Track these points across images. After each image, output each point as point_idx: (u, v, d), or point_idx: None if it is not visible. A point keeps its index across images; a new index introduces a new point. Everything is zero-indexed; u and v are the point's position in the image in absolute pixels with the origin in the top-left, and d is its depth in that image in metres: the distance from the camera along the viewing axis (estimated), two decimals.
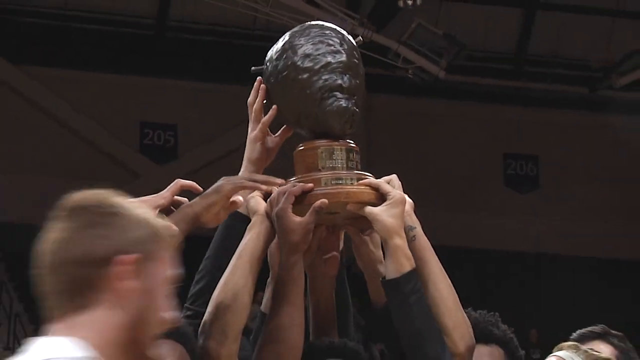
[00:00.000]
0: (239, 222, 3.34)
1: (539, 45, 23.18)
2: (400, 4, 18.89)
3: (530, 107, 23.84)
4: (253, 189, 3.34)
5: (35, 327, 15.26)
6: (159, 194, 3.24)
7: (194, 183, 3.28)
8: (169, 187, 3.22)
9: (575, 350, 3.61)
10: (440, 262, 3.40)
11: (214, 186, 3.28)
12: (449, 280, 3.34)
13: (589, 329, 4.06)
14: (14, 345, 16.61)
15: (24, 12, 22.30)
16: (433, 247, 3.36)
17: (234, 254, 3.25)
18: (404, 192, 3.32)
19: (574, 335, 3.95)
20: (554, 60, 23.37)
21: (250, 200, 3.30)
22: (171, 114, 23.21)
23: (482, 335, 3.55)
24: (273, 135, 3.47)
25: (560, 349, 3.68)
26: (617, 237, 23.42)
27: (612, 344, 3.99)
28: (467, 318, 3.39)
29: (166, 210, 3.21)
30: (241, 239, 3.26)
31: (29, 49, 22.47)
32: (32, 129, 22.55)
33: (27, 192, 21.44)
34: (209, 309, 3.17)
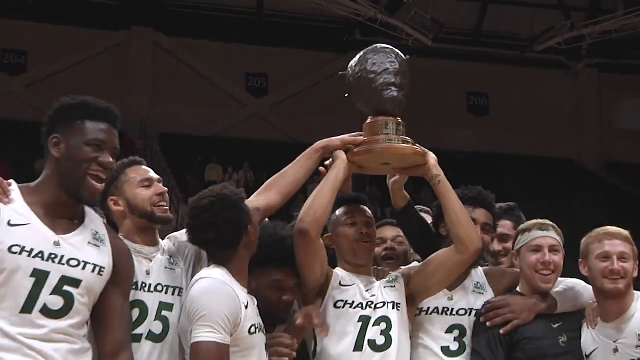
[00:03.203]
0: None
1: (490, 24, 23.92)
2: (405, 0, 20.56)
3: (483, 63, 24.67)
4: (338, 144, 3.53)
5: (185, 196, 16.34)
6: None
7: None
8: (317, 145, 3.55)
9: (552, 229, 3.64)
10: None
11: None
12: (462, 205, 3.50)
13: (502, 206, 4.05)
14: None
15: (175, 4, 23.23)
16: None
17: None
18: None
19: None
20: (498, 34, 24.06)
21: (337, 152, 3.51)
22: (264, 67, 23.97)
23: (481, 202, 3.72)
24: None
25: (542, 229, 3.63)
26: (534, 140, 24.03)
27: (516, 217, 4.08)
28: (476, 230, 3.52)
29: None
30: None
31: (177, 26, 23.31)
32: (181, 78, 23.48)
33: (180, 115, 22.43)
34: (305, 205, 3.42)
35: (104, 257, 2.96)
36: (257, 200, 3.45)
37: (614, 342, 3.47)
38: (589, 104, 25.39)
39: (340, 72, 3.45)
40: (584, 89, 25.47)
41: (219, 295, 3.05)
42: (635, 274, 3.53)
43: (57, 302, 2.85)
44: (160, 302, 3.27)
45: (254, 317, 3.18)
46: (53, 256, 2.85)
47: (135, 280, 3.20)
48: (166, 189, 3.37)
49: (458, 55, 23.97)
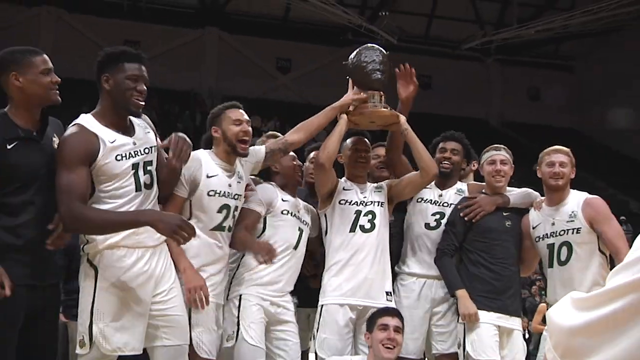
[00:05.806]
0: None
1: (435, 30, 25.28)
2: (380, 14, 22.71)
3: (433, 56, 25.23)
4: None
5: None
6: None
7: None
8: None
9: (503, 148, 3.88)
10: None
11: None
12: (423, 146, 3.84)
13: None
14: None
15: (234, 12, 24.09)
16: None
17: None
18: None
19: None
20: (439, 37, 25.26)
21: (341, 115, 3.84)
22: (289, 54, 25.18)
23: (455, 137, 4.06)
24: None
25: (496, 149, 3.93)
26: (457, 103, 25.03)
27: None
28: (434, 162, 3.84)
29: None
30: None
31: (234, 27, 24.32)
32: (237, 60, 23.90)
33: (235, 84, 22.86)
34: (321, 147, 3.78)
35: (152, 140, 3.36)
36: (289, 135, 3.84)
37: (553, 218, 3.82)
38: (495, 84, 27.27)
39: (343, 62, 3.67)
40: (492, 74, 27.19)
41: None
42: (572, 176, 3.82)
43: (147, 179, 3.23)
44: (236, 206, 3.64)
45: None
46: (136, 152, 3.20)
47: (221, 189, 3.57)
48: (250, 129, 3.57)
49: (412, 50, 23.56)
